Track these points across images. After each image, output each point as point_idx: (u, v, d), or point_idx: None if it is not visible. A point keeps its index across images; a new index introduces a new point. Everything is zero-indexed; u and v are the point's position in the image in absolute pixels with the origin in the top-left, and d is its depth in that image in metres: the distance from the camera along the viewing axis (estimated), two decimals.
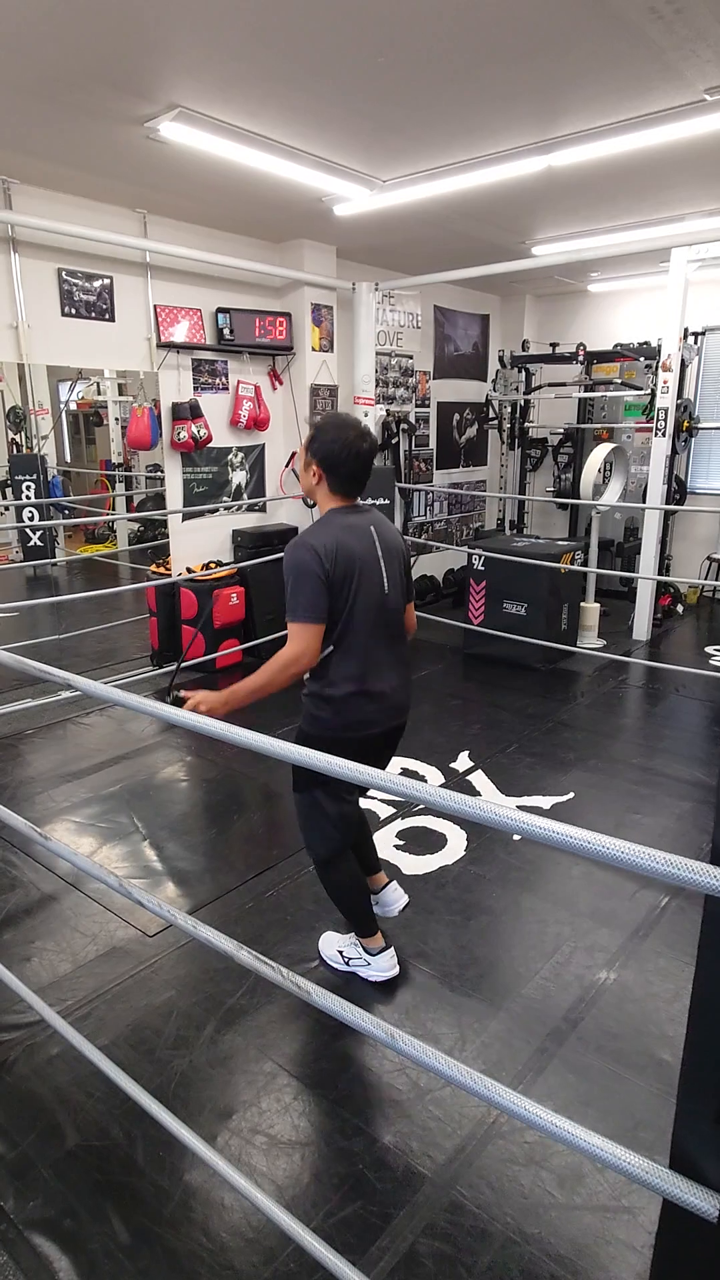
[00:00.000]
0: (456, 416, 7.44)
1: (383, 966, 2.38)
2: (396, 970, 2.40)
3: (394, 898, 2.58)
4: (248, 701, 2.05)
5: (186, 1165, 1.77)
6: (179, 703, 2.06)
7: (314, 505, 2.26)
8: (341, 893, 2.36)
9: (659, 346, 5.55)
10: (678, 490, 6.36)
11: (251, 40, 2.62)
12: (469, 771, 3.75)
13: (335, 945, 2.48)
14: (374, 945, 2.38)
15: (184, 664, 4.95)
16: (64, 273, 4.32)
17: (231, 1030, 2.17)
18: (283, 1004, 2.25)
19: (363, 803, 3.26)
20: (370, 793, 3.32)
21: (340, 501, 2.16)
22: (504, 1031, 2.16)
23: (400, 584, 2.25)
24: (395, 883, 2.60)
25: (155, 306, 4.77)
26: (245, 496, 5.58)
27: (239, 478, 5.52)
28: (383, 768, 2.37)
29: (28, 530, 6.78)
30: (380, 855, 2.97)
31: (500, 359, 7.13)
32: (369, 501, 2.49)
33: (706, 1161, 0.92)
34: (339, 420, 2.14)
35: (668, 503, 5.71)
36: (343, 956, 2.45)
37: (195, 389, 5.07)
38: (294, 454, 5.70)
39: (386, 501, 5.68)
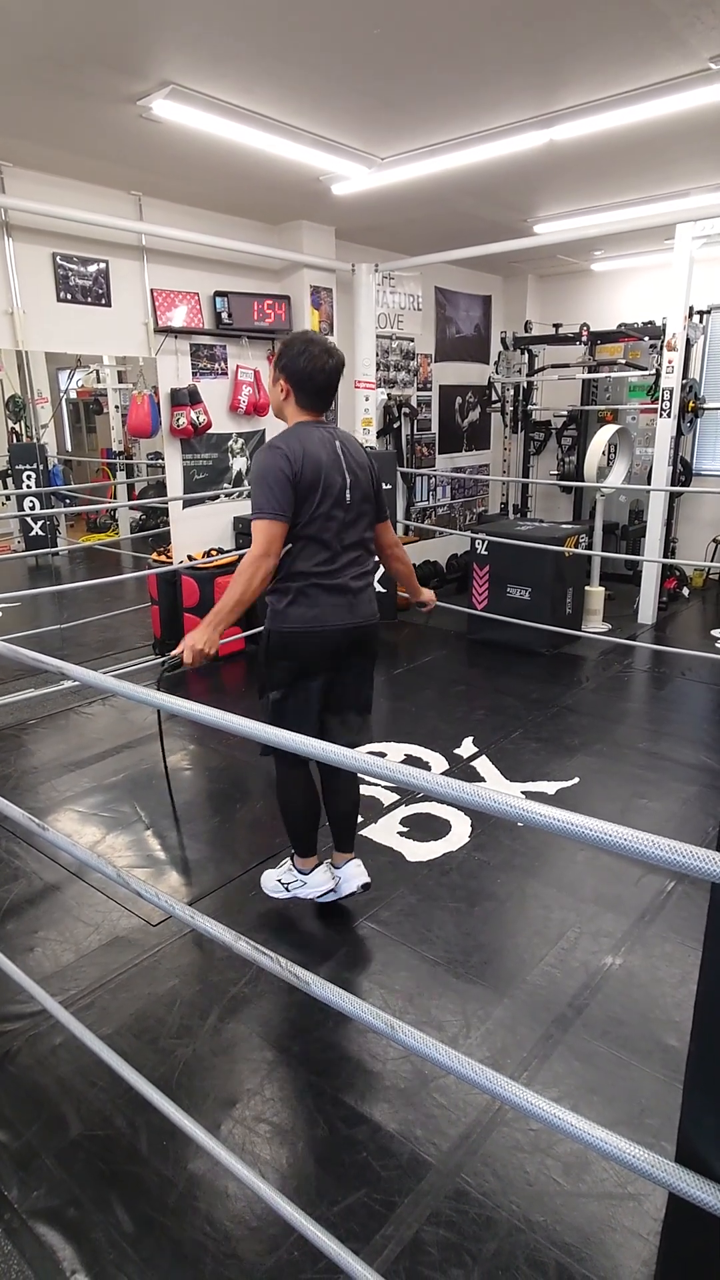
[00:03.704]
0: (459, 400, 7.36)
1: (318, 882, 2.49)
2: (332, 885, 2.50)
3: (352, 872, 2.52)
4: (232, 618, 2.11)
5: (190, 1154, 1.77)
6: (178, 665, 2.09)
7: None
8: (289, 807, 2.47)
9: (664, 326, 5.46)
10: (683, 472, 6.28)
11: (244, 14, 2.56)
12: (473, 757, 3.73)
13: (274, 877, 2.60)
14: (307, 865, 2.51)
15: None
16: (59, 257, 4.26)
17: (235, 1019, 2.16)
18: (286, 992, 2.24)
19: (366, 789, 3.27)
20: (373, 779, 3.31)
21: (307, 416, 2.24)
22: (509, 1018, 2.15)
23: (366, 495, 2.29)
24: (359, 862, 2.56)
25: (152, 291, 4.71)
26: (246, 483, 5.54)
27: (239, 464, 5.47)
28: (355, 676, 2.39)
29: (29, 520, 6.75)
30: (384, 842, 2.97)
31: (503, 341, 7.04)
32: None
33: (713, 1155, 0.90)
34: (305, 337, 2.20)
35: (673, 484, 5.64)
36: (282, 884, 2.56)
37: (194, 374, 5.02)
38: None
39: (389, 487, 5.63)
